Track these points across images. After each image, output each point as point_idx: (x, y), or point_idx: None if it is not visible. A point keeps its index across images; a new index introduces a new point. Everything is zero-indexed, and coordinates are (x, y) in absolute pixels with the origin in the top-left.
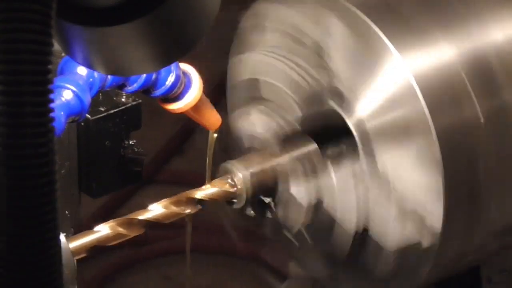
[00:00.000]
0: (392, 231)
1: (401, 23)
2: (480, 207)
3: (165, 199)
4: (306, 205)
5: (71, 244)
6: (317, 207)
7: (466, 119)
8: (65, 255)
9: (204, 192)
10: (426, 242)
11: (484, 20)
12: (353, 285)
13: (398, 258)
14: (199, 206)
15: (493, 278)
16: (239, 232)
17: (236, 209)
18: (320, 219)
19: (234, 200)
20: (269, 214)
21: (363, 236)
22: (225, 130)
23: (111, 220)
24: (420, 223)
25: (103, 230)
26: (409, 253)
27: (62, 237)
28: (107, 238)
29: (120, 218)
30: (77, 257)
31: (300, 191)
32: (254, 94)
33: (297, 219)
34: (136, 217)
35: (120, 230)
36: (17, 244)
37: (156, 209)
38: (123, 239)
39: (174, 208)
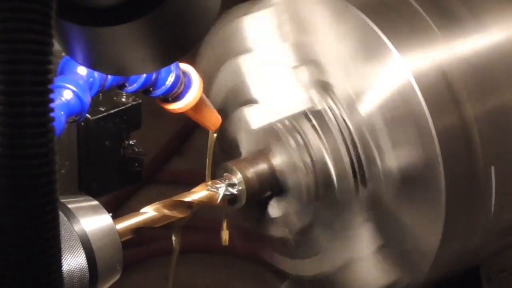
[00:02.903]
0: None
1: (401, 23)
2: (480, 207)
3: (208, 182)
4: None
5: (118, 225)
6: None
7: (466, 118)
8: (112, 236)
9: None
10: (426, 242)
11: (484, 20)
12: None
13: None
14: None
15: (493, 278)
16: (239, 232)
17: (236, 209)
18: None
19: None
20: (270, 214)
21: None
22: (224, 130)
23: (156, 202)
24: (420, 223)
25: (149, 212)
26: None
27: (109, 218)
28: (153, 220)
29: (165, 200)
30: (123, 239)
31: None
32: (251, 96)
33: (301, 181)
34: (182, 199)
35: (166, 212)
36: (17, 244)
37: (200, 192)
38: (169, 221)
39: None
